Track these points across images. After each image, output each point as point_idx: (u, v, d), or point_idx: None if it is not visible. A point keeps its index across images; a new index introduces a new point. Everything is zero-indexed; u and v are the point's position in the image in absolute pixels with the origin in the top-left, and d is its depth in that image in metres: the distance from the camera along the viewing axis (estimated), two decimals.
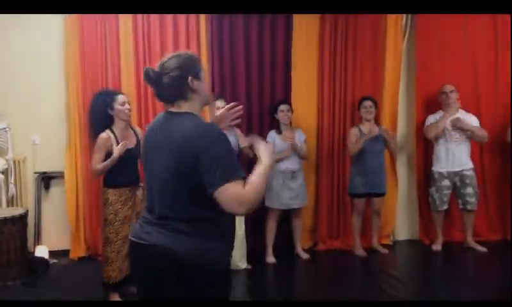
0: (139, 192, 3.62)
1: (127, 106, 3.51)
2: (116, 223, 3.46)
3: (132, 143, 3.55)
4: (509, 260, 4.56)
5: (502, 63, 5.03)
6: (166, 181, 1.79)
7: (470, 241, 4.87)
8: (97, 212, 4.53)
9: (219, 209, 1.72)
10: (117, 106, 3.46)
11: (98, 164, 3.41)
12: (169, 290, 1.80)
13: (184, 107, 1.84)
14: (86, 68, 4.55)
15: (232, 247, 1.94)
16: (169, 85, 1.82)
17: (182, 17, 4.60)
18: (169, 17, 4.58)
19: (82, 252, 4.69)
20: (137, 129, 3.76)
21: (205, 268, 1.78)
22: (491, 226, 5.19)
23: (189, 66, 1.84)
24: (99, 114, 3.47)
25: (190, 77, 1.82)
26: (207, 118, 3.84)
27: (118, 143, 3.43)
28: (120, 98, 3.51)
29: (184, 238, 1.78)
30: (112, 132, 3.45)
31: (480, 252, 4.74)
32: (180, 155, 1.74)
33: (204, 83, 1.88)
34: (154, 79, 1.83)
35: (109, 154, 3.41)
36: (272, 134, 4.54)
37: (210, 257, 1.79)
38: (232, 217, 1.87)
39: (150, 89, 4.60)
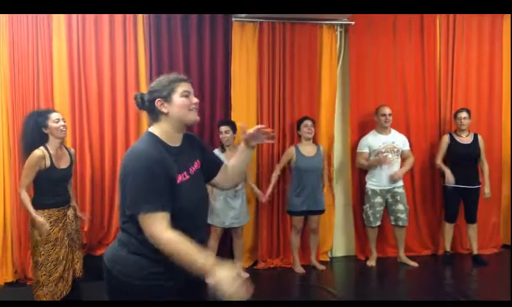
0: (70, 213, 3.51)
1: (61, 123, 3.42)
2: (47, 245, 3.33)
3: (65, 163, 3.46)
4: (438, 273, 4.83)
5: (429, 85, 5.34)
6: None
7: (403, 256, 5.08)
8: (25, 234, 4.33)
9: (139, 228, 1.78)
10: (51, 124, 3.36)
11: (24, 186, 3.31)
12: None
13: (155, 127, 1.91)
14: (16, 85, 4.38)
15: (164, 268, 1.83)
16: (146, 107, 1.92)
17: (119, 20, 4.56)
18: (105, 20, 4.53)
19: (9, 277, 4.45)
20: (71, 150, 3.66)
21: (115, 276, 1.84)
22: (422, 242, 5.44)
23: (158, 89, 1.89)
24: (33, 134, 3.35)
25: (158, 100, 1.87)
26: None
27: (52, 162, 3.32)
28: (54, 115, 3.41)
29: (112, 246, 1.92)
30: (47, 149, 3.34)
31: (413, 267, 4.95)
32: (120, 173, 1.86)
33: (177, 105, 1.88)
34: (139, 103, 1.94)
35: (40, 173, 3.29)
36: (216, 152, 4.56)
37: (121, 266, 1.84)
38: None
39: (84, 106, 4.56)
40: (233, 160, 2.22)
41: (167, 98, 1.87)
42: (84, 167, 4.58)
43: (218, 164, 2.18)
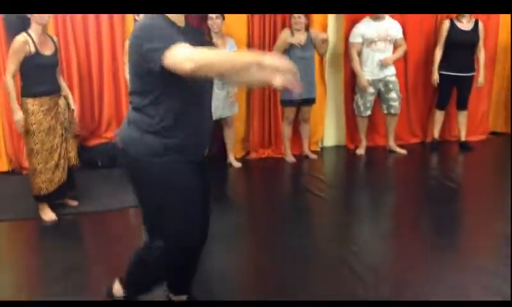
0: (62, 102, 3.47)
1: None
2: (40, 133, 3.33)
3: (49, 50, 3.35)
4: (425, 160, 4.99)
5: None
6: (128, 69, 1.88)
7: (392, 144, 5.18)
8: None
9: (155, 101, 1.77)
10: None
11: (11, 73, 3.22)
12: (131, 180, 1.92)
13: None
14: None
15: (171, 145, 1.85)
16: None
17: None
18: None
19: (4, 167, 4.52)
20: (54, 38, 3.54)
21: (132, 156, 1.85)
22: (411, 130, 5.53)
23: None
24: (15, 19, 3.20)
25: None
26: None
27: (36, 48, 3.22)
28: None
29: (124, 128, 1.90)
30: (30, 35, 3.22)
31: (401, 154, 5.08)
32: (129, 48, 1.82)
33: None
34: None
35: (26, 60, 3.20)
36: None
37: (136, 146, 1.84)
38: (177, 117, 1.82)
39: None
40: None
41: None
42: (69, 57, 4.46)
43: None
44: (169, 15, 1.81)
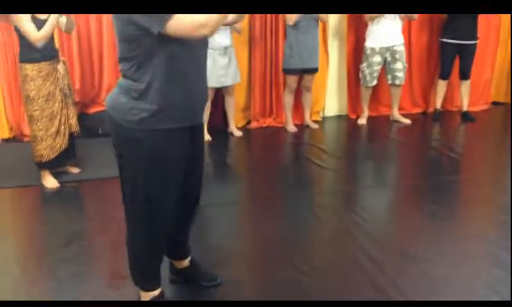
0: (61, 67, 3.42)
1: None
2: (40, 100, 3.30)
3: (45, 14, 3.27)
4: (426, 129, 4.98)
5: None
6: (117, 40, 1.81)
7: (396, 114, 5.16)
8: (16, 89, 4.29)
9: (146, 64, 1.72)
10: None
11: (34, 30, 3.14)
12: (113, 142, 1.88)
13: None
14: None
15: (163, 112, 1.80)
16: None
17: None
18: None
19: (5, 134, 4.51)
20: None
21: (117, 123, 1.81)
22: (414, 100, 5.50)
23: None
24: None
25: None
26: None
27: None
28: None
29: (113, 91, 1.88)
30: None
31: (403, 123, 5.06)
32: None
33: None
34: None
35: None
36: None
37: (121, 112, 1.80)
38: (169, 82, 1.77)
39: None
40: None
41: None
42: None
43: None
44: None
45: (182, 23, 1.60)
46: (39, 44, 3.21)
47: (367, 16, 4.78)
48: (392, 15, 4.74)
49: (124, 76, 1.82)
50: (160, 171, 1.85)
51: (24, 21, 3.13)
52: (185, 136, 1.90)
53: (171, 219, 2.01)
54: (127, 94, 1.79)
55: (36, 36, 3.16)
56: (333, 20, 5.12)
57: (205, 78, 1.96)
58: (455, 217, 3.06)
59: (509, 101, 5.63)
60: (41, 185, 3.49)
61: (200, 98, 1.94)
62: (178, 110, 1.82)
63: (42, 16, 3.25)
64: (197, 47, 1.83)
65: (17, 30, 3.21)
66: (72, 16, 3.31)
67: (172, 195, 1.93)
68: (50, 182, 3.50)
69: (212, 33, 1.67)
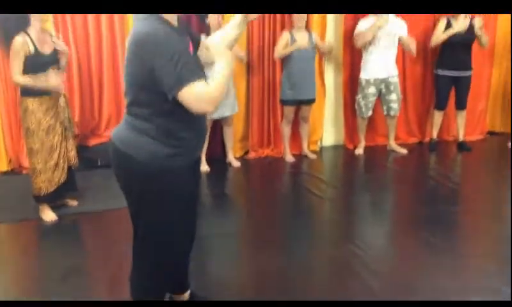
0: (61, 100, 3.46)
1: None
2: (40, 133, 3.32)
3: (49, 48, 3.33)
4: (423, 159, 5.02)
5: None
6: (125, 76, 1.84)
7: (393, 144, 5.20)
8: (16, 122, 4.33)
9: (160, 111, 1.77)
10: None
11: (19, 73, 3.18)
12: (121, 181, 1.91)
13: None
14: None
15: (176, 150, 1.85)
16: None
17: None
18: None
19: (4, 167, 4.51)
20: (53, 34, 3.52)
21: (129, 157, 1.82)
22: (409, 130, 5.56)
23: None
24: (12, 16, 3.17)
25: None
26: None
27: (35, 47, 3.20)
28: None
29: (122, 128, 1.87)
30: (28, 34, 3.20)
31: (400, 153, 5.10)
32: (128, 56, 1.78)
33: None
34: None
35: (26, 60, 3.18)
36: (202, 38, 4.40)
37: (134, 147, 1.82)
38: (180, 123, 1.83)
39: None
40: None
41: None
42: (69, 56, 4.42)
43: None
44: (165, 16, 1.78)
45: (193, 94, 1.66)
46: (15, 84, 3.25)
47: (360, 42, 4.84)
48: (388, 44, 4.82)
49: (136, 117, 1.83)
50: (175, 206, 1.89)
51: (15, 57, 3.15)
52: (192, 171, 1.96)
53: (178, 255, 2.02)
54: (141, 133, 1.81)
55: (18, 79, 3.20)
56: (329, 50, 5.20)
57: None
58: (454, 249, 3.06)
59: (506, 130, 5.67)
60: (40, 219, 3.48)
61: (204, 133, 2.01)
62: (189, 148, 1.88)
63: (47, 51, 3.30)
64: None
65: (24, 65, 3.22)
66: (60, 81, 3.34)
67: (183, 230, 1.95)
68: (48, 215, 3.49)
69: (213, 111, 1.76)
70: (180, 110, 1.75)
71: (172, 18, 1.81)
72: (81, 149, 4.26)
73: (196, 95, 1.65)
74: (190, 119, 1.83)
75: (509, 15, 5.26)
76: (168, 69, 1.63)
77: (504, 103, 5.73)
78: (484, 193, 4.08)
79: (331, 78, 5.32)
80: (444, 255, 2.94)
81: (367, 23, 4.81)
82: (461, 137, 5.27)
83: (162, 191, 1.85)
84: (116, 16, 4.52)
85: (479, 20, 4.89)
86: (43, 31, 3.33)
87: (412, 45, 4.83)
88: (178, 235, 1.96)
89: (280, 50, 4.63)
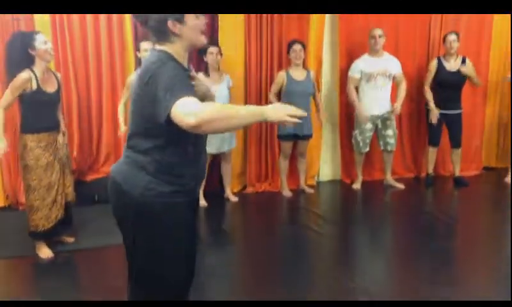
0: (60, 138, 3.48)
1: (49, 45, 3.31)
2: (38, 169, 3.32)
3: (52, 87, 3.38)
4: (420, 194, 5.03)
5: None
6: (130, 111, 1.86)
7: (389, 179, 5.22)
8: (14, 158, 4.34)
9: (159, 143, 1.77)
10: (39, 45, 3.23)
11: (5, 106, 3.24)
12: (118, 216, 1.90)
13: (166, 46, 1.84)
14: None
15: (173, 187, 1.84)
16: (153, 27, 1.83)
17: None
18: None
19: (1, 202, 4.50)
20: (58, 74, 3.56)
21: (129, 193, 1.81)
22: (406, 165, 5.59)
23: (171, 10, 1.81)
24: (18, 55, 3.22)
25: (170, 21, 1.79)
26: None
27: (38, 85, 3.25)
28: (41, 37, 3.28)
29: (122, 162, 1.88)
30: (33, 72, 3.25)
31: (397, 188, 5.12)
32: (134, 89, 1.82)
33: (189, 28, 1.81)
34: (142, 20, 1.85)
35: (26, 96, 3.22)
36: (201, 76, 4.48)
37: (132, 182, 1.81)
38: (179, 157, 1.83)
39: (66, 29, 4.42)
40: None
41: (180, 20, 1.81)
42: (70, 92, 4.51)
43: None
44: (175, 54, 1.83)
45: (178, 108, 1.60)
46: None
47: (349, 97, 4.97)
48: (382, 83, 4.90)
49: (137, 151, 1.84)
50: (169, 244, 1.86)
51: (12, 90, 3.18)
52: (191, 209, 1.95)
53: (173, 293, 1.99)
54: (138, 168, 1.82)
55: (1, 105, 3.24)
56: (326, 86, 5.29)
57: (205, 149, 2.04)
58: (453, 283, 3.04)
59: (501, 165, 5.72)
60: (36, 255, 3.44)
61: (204, 171, 2.03)
62: (187, 185, 1.87)
63: (50, 90, 3.34)
64: None
65: (22, 101, 3.27)
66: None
67: (179, 269, 1.92)
68: (44, 252, 3.46)
69: (199, 126, 1.58)
70: (178, 144, 1.76)
71: (182, 59, 1.86)
72: (78, 184, 4.26)
73: (181, 107, 1.60)
74: (189, 155, 1.84)
75: (501, 48, 5.38)
76: (166, 93, 1.65)
77: (498, 139, 5.80)
78: (482, 228, 4.09)
79: (328, 114, 5.37)
80: (443, 290, 2.91)
81: (360, 63, 4.92)
82: (457, 173, 5.30)
83: (156, 229, 1.82)
84: (117, 51, 4.59)
85: (468, 65, 5.00)
86: (47, 70, 3.38)
87: (403, 89, 4.97)
88: (172, 275, 1.90)
89: (274, 90, 4.71)
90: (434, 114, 5.04)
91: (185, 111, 1.58)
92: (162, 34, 1.82)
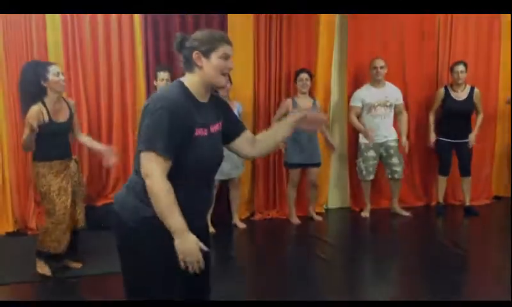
0: (72, 165, 3.52)
1: (61, 77, 3.37)
2: (51, 194, 3.35)
3: (64, 116, 3.44)
4: (430, 223, 4.96)
5: (427, 38, 5.33)
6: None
7: (396, 207, 5.18)
8: (24, 183, 4.41)
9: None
10: (51, 77, 3.29)
11: (27, 139, 3.24)
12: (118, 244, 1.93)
13: (187, 77, 1.90)
14: (7, 37, 4.29)
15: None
16: (183, 52, 1.90)
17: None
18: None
19: (10, 227, 4.51)
20: (71, 102, 3.62)
21: (121, 220, 1.87)
22: (416, 194, 5.55)
23: (200, 41, 1.86)
24: (31, 86, 3.29)
25: (196, 52, 1.85)
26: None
27: (49, 117, 3.30)
28: (54, 68, 3.34)
29: (122, 192, 1.94)
30: (44, 104, 3.30)
31: (406, 217, 5.06)
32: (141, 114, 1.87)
33: (212, 65, 1.85)
34: (177, 45, 1.91)
35: (39, 128, 3.24)
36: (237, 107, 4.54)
37: (127, 211, 1.86)
38: (185, 193, 1.83)
39: (78, 57, 4.52)
40: (268, 131, 2.20)
41: (206, 54, 1.85)
42: (81, 118, 4.56)
43: (239, 128, 2.12)
44: (193, 89, 1.86)
45: (144, 161, 1.75)
46: (23, 149, 3.32)
47: (352, 124, 4.99)
48: (383, 112, 4.91)
49: (134, 174, 1.90)
50: (156, 269, 1.87)
51: (27, 124, 3.17)
52: (196, 234, 1.89)
53: None
54: (129, 191, 1.88)
55: (23, 138, 3.24)
56: (334, 114, 5.31)
57: (213, 186, 2.04)
58: None
59: (510, 195, 5.65)
60: (41, 279, 3.45)
61: (206, 204, 2.03)
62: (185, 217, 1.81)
63: (61, 120, 3.40)
64: (210, 165, 1.95)
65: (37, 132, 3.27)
66: None
67: (173, 291, 1.92)
68: (44, 270, 3.49)
69: (148, 190, 1.76)
70: (175, 178, 1.77)
71: (200, 93, 1.89)
72: (87, 209, 4.26)
73: (145, 163, 1.75)
74: (180, 186, 1.80)
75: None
76: (148, 126, 1.74)
77: (509, 167, 5.75)
78: (492, 260, 4.02)
79: (336, 141, 5.37)
80: None
81: (362, 93, 4.96)
82: (467, 202, 5.24)
83: (139, 251, 1.86)
84: (127, 75, 4.65)
85: (477, 95, 5.00)
86: (59, 100, 3.43)
87: (404, 119, 5.01)
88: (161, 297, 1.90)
89: (278, 116, 4.72)
90: (431, 138, 5.09)
91: (147, 167, 1.74)
92: (188, 63, 1.88)
